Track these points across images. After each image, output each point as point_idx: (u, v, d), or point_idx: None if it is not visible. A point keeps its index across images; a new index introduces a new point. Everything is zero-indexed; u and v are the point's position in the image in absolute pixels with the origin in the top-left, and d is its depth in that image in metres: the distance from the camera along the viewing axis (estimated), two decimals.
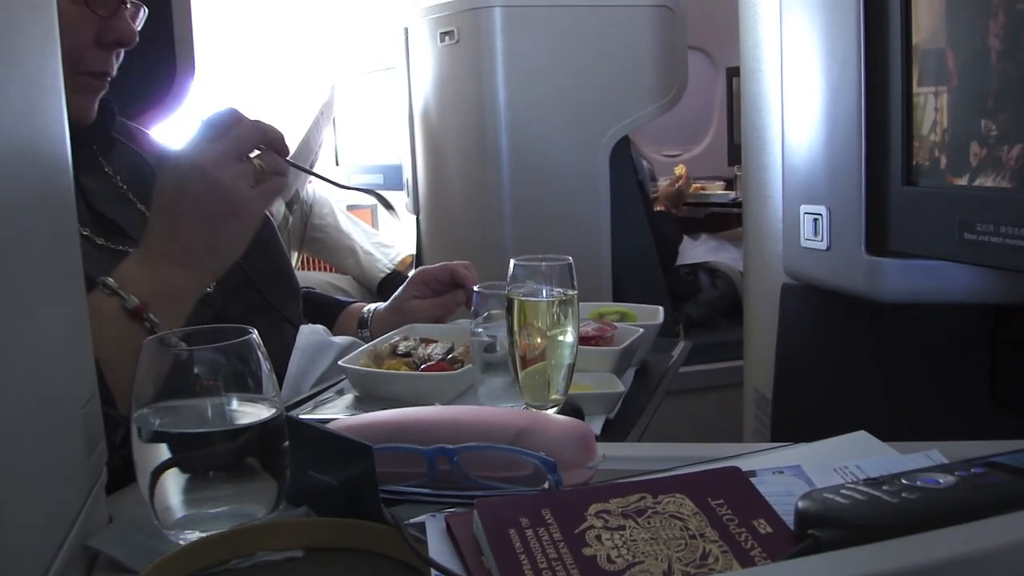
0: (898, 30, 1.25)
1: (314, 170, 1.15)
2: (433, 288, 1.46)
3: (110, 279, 1.01)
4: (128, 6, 1.18)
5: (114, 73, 1.20)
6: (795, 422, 1.55)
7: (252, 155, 1.06)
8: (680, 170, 3.46)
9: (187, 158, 1.03)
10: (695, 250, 3.10)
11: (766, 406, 1.64)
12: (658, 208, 3.25)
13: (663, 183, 3.46)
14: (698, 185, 3.51)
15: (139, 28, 1.21)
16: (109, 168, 1.27)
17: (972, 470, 0.66)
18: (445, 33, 2.75)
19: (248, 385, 0.73)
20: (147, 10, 1.22)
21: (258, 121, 1.07)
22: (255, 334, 0.74)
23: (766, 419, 1.64)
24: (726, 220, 3.35)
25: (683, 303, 2.96)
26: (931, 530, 0.56)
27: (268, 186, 1.06)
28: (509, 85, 2.64)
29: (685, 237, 3.16)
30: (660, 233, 3.00)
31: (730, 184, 3.56)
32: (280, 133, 1.08)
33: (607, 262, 2.71)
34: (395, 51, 3.05)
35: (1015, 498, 0.62)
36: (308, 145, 3.36)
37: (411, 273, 1.53)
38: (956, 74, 1.19)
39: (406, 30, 2.98)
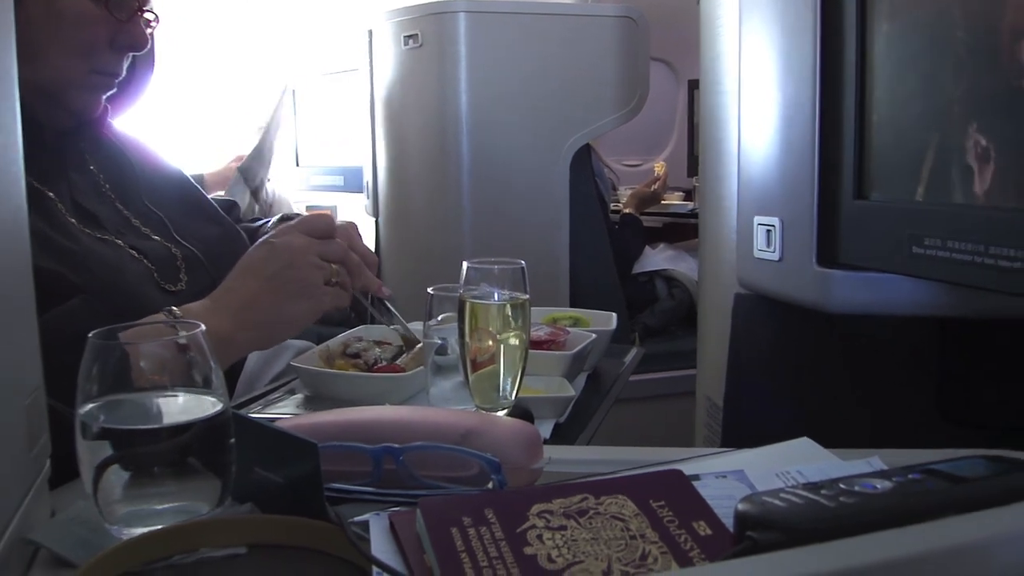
0: (853, 47, 1.27)
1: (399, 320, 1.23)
2: None
3: (176, 308, 1.11)
4: (143, 13, 1.25)
5: (123, 75, 1.27)
6: (745, 430, 1.57)
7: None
8: (660, 168, 3.45)
9: (280, 240, 1.18)
10: (653, 258, 3.12)
11: (717, 414, 1.65)
12: (626, 211, 3.26)
13: (638, 185, 3.47)
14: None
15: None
16: (94, 166, 1.32)
17: (909, 476, 0.67)
18: (409, 36, 2.75)
19: (195, 380, 0.73)
20: (160, 19, 1.29)
21: (346, 245, 1.21)
22: (203, 328, 0.73)
23: (717, 427, 1.66)
24: (685, 230, 3.38)
25: (640, 311, 2.98)
26: (866, 534, 0.57)
27: (336, 290, 1.19)
28: (471, 90, 2.65)
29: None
30: (621, 241, 3.02)
31: (689, 195, 3.59)
32: (358, 261, 1.22)
33: (565, 268, 2.73)
34: (359, 53, 3.05)
35: (949, 504, 0.63)
36: (261, 154, 3.33)
37: None
38: (908, 92, 1.21)
39: (370, 32, 2.97)
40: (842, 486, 0.64)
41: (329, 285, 1.18)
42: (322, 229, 1.21)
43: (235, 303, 1.14)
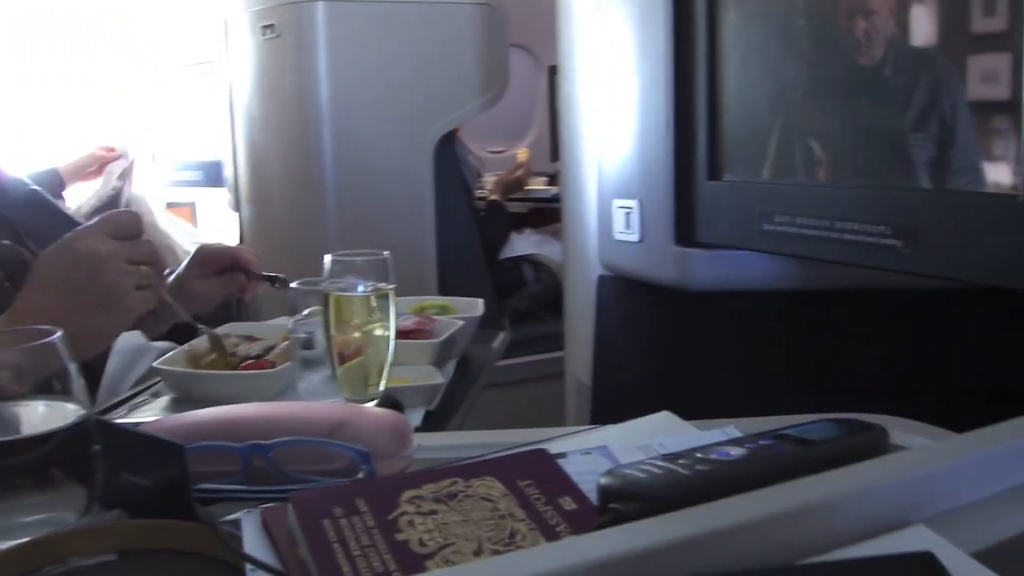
0: (703, 34, 1.31)
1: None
2: (214, 269, 1.42)
3: None
4: None
5: None
6: (613, 408, 1.60)
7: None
8: (523, 155, 3.49)
9: (82, 245, 1.07)
10: (519, 244, 3.16)
11: (586, 394, 1.69)
12: (492, 198, 3.28)
13: (503, 172, 3.50)
14: None
15: None
16: None
17: (761, 442, 0.71)
18: (266, 27, 2.71)
19: (54, 388, 0.72)
20: None
21: (151, 243, 1.13)
22: (60, 334, 0.72)
23: (586, 406, 1.70)
24: (549, 215, 3.42)
25: (508, 297, 3.01)
26: (722, 498, 0.60)
27: (146, 294, 1.09)
28: (331, 80, 2.63)
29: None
30: (487, 228, 3.05)
31: (553, 180, 3.63)
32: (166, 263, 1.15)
33: (432, 257, 2.74)
34: (214, 44, 2.98)
35: (799, 466, 0.67)
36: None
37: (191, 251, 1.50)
38: (754, 76, 1.26)
39: (226, 23, 2.91)
40: (698, 455, 0.68)
41: (140, 289, 1.08)
42: (129, 229, 1.11)
43: (36, 320, 1.00)
